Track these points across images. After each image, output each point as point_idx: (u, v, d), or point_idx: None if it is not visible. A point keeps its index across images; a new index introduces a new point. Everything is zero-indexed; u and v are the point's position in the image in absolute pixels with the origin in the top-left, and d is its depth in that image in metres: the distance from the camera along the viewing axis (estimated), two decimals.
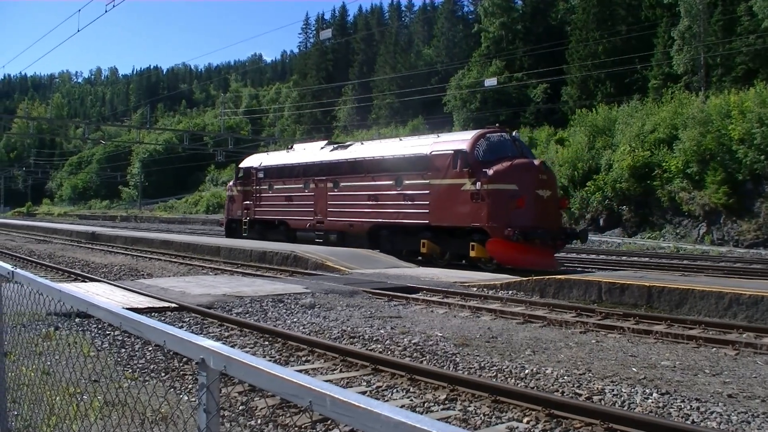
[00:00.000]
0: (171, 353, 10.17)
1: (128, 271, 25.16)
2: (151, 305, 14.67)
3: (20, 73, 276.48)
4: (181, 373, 9.56)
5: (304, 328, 13.01)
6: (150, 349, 10.86)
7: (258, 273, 24.57)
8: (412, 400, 8.39)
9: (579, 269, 26.51)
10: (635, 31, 66.40)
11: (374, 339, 12.00)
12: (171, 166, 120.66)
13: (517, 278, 20.48)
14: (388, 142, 32.60)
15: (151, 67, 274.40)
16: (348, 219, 31.15)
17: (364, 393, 8.54)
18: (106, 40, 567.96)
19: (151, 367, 9.91)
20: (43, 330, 10.71)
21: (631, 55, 64.27)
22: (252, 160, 39.69)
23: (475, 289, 19.43)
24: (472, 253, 25.60)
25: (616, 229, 48.11)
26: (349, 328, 12.92)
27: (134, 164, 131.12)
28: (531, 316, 14.52)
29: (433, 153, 27.34)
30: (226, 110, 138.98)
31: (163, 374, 9.54)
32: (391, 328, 13.00)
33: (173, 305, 14.84)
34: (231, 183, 41.05)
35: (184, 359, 9.92)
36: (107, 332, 12.21)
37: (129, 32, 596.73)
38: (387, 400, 8.42)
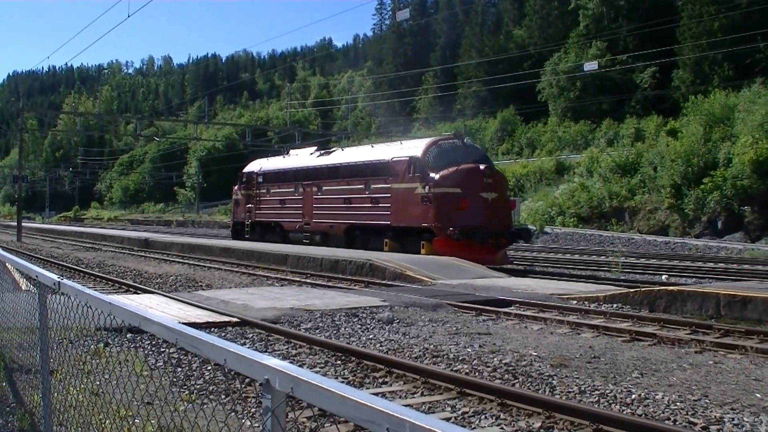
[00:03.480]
0: (232, 373, 10.28)
1: (185, 281, 25.52)
2: (210, 320, 14.86)
3: (66, 64, 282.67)
4: (244, 395, 9.63)
5: (380, 346, 13.03)
6: (209, 368, 10.96)
7: (329, 284, 24.71)
8: (502, 428, 8.34)
9: (693, 279, 26.15)
10: (757, 4, 65.04)
11: (460, 358, 11.96)
12: (232, 165, 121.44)
13: (623, 290, 20.24)
14: (362, 149, 39.48)
15: (209, 55, 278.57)
16: (329, 221, 37.31)
17: (448, 419, 8.52)
18: (158, 26, 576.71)
19: (210, 388, 10.00)
20: (92, 346, 10.89)
21: (753, 32, 62.95)
22: (253, 165, 46.81)
23: (574, 302, 19.28)
24: (423, 251, 30.67)
25: (737, 233, 47.26)
26: (431, 346, 12.90)
27: (191, 163, 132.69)
28: (639, 333, 14.34)
29: (393, 159, 33.22)
30: (293, 102, 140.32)
31: (223, 396, 9.63)
32: (479, 347, 12.95)
33: (235, 320, 14.99)
34: (236, 187, 47.94)
35: (247, 380, 10.00)
36: (162, 349, 12.38)
37: (184, 17, 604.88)
38: (474, 428, 8.39)
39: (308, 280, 25.85)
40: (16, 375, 8.91)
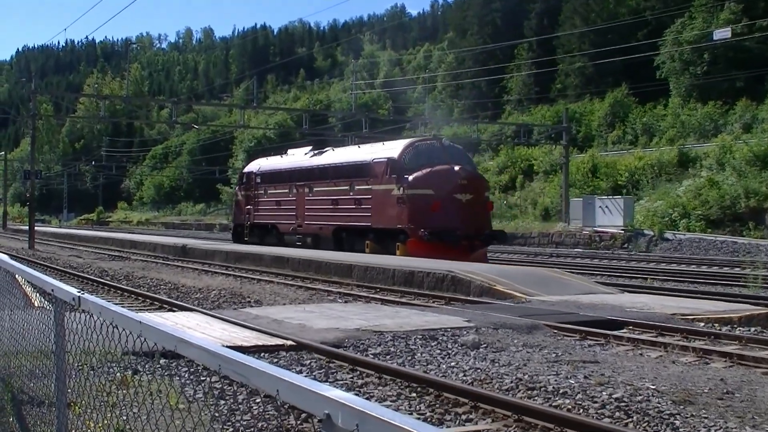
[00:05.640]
0: (286, 407, 10.30)
1: (230, 297, 25.72)
2: (259, 343, 14.96)
3: (86, 38, 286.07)
4: None
5: (464, 376, 13.01)
6: (258, 401, 11.03)
7: (403, 300, 24.77)
8: None
9: None
10: None
11: (561, 392, 11.91)
12: None
13: (763, 310, 19.97)
14: (349, 149, 46.71)
15: (258, 26, 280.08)
16: (319, 222, 43.17)
17: None
18: None
19: (260, 425, 10.07)
20: (118, 374, 11.01)
21: None
22: (252, 166, 54.09)
23: (701, 324, 19.07)
24: (398, 253, 35.91)
25: None
26: (526, 377, 12.85)
27: (237, 155, 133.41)
28: None
29: (373, 160, 39.10)
30: (358, 82, 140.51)
31: None
32: (585, 378, 12.87)
33: (289, 343, 15.07)
34: (237, 188, 55.68)
35: (304, 415, 10.06)
36: (202, 378, 12.50)
37: None
38: None
39: (377, 296, 25.93)
40: (25, 408, 8.98)
